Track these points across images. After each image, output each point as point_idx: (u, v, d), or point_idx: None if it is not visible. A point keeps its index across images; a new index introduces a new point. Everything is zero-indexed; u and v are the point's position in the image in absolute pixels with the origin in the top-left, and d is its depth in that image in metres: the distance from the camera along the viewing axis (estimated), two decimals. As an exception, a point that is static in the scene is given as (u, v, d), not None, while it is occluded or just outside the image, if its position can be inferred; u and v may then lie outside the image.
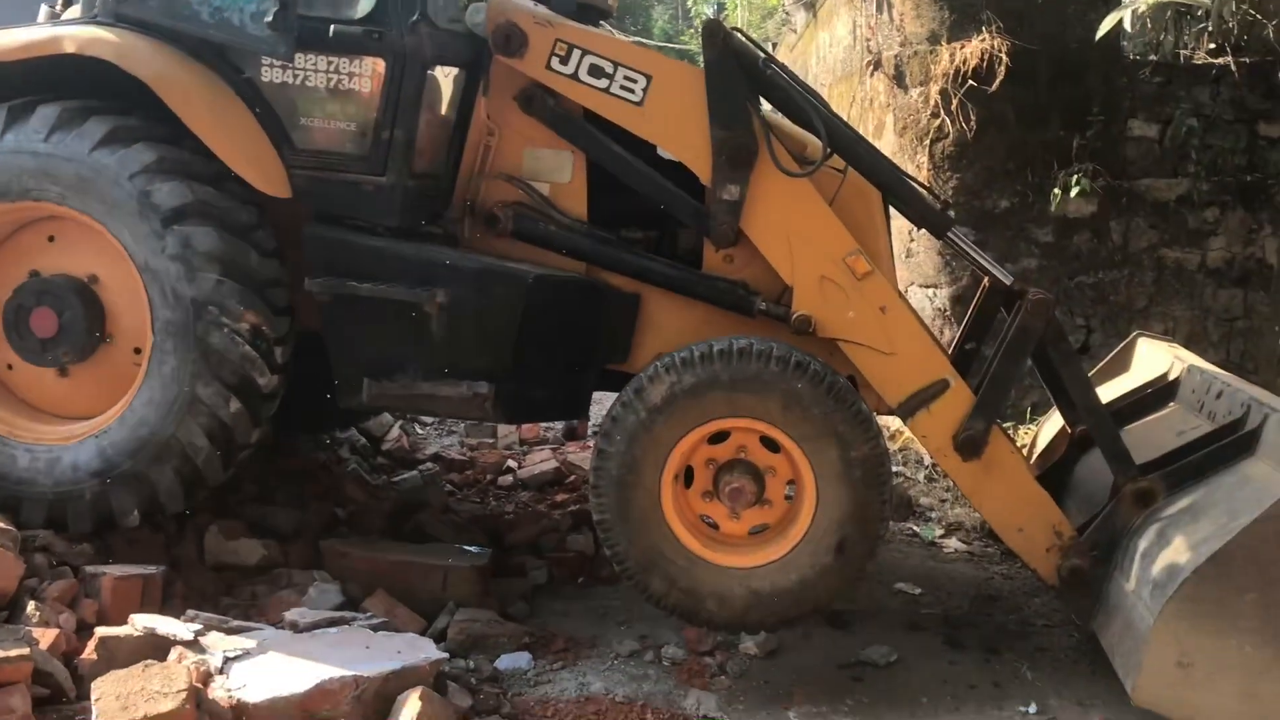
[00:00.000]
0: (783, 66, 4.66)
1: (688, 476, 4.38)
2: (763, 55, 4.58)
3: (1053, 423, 5.64)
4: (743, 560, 4.30)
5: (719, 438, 4.35)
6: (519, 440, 7.45)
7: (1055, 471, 5.01)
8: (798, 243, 4.47)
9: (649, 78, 4.53)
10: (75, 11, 4.77)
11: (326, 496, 5.67)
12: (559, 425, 7.57)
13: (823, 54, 11.04)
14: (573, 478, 6.62)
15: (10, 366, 4.66)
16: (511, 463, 6.93)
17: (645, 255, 4.81)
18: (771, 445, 4.34)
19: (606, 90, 4.54)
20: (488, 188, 4.75)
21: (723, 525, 4.40)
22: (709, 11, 22.71)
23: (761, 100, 4.63)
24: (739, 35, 4.56)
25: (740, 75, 4.46)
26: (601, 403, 5.14)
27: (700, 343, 4.24)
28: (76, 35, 4.33)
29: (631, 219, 4.89)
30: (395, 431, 7.03)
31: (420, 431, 7.46)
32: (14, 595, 3.89)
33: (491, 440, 7.38)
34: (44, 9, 5.35)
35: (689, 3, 23.00)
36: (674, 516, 4.29)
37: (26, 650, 3.43)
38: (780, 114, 4.72)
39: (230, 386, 4.38)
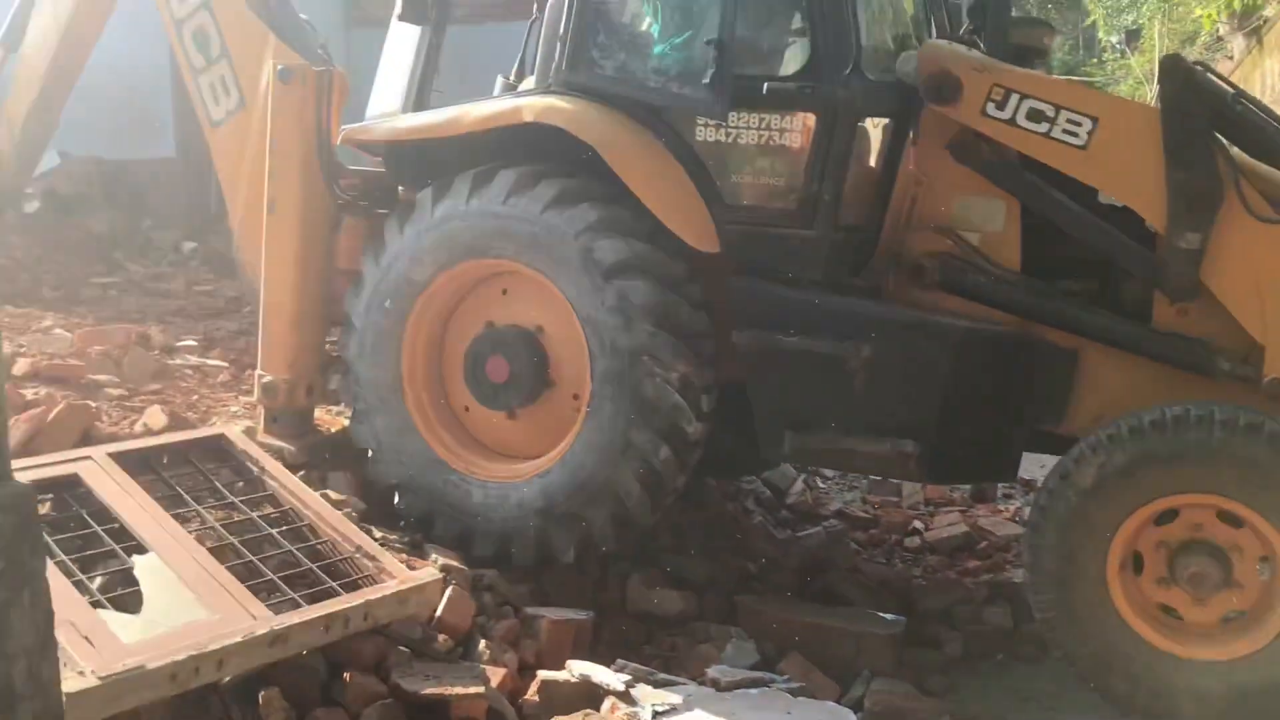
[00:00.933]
0: (1255, 102, 4.21)
1: (1137, 563, 4.00)
2: (1231, 90, 4.15)
3: None
4: (1219, 652, 3.85)
5: (1167, 517, 3.94)
6: (924, 500, 7.18)
7: None
8: (1272, 297, 3.99)
9: (1094, 120, 4.24)
10: (530, 82, 5.18)
11: (737, 549, 5.72)
12: (967, 485, 7.23)
13: (1271, 83, 9.98)
14: (984, 544, 6.28)
15: (468, 408, 5.08)
16: (918, 523, 6.69)
17: (1085, 308, 4.49)
18: (1232, 520, 3.87)
19: (1047, 134, 4.30)
20: (914, 238, 4.64)
21: (1187, 614, 3.97)
22: (1115, 41, 20.98)
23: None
24: (1204, 70, 4.17)
25: (1203, 113, 4.07)
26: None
27: (1128, 414, 3.89)
28: (534, 105, 4.68)
29: (1069, 269, 4.59)
30: (799, 485, 7.00)
31: (823, 485, 7.38)
32: (467, 632, 4.20)
33: (896, 498, 7.17)
34: (499, 80, 5.87)
35: (1097, 31, 21.19)
36: (1128, 609, 3.94)
37: (482, 689, 3.68)
38: (1250, 155, 4.26)
39: (661, 434, 4.52)
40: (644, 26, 4.84)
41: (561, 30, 4.75)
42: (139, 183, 10.19)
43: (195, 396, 5.73)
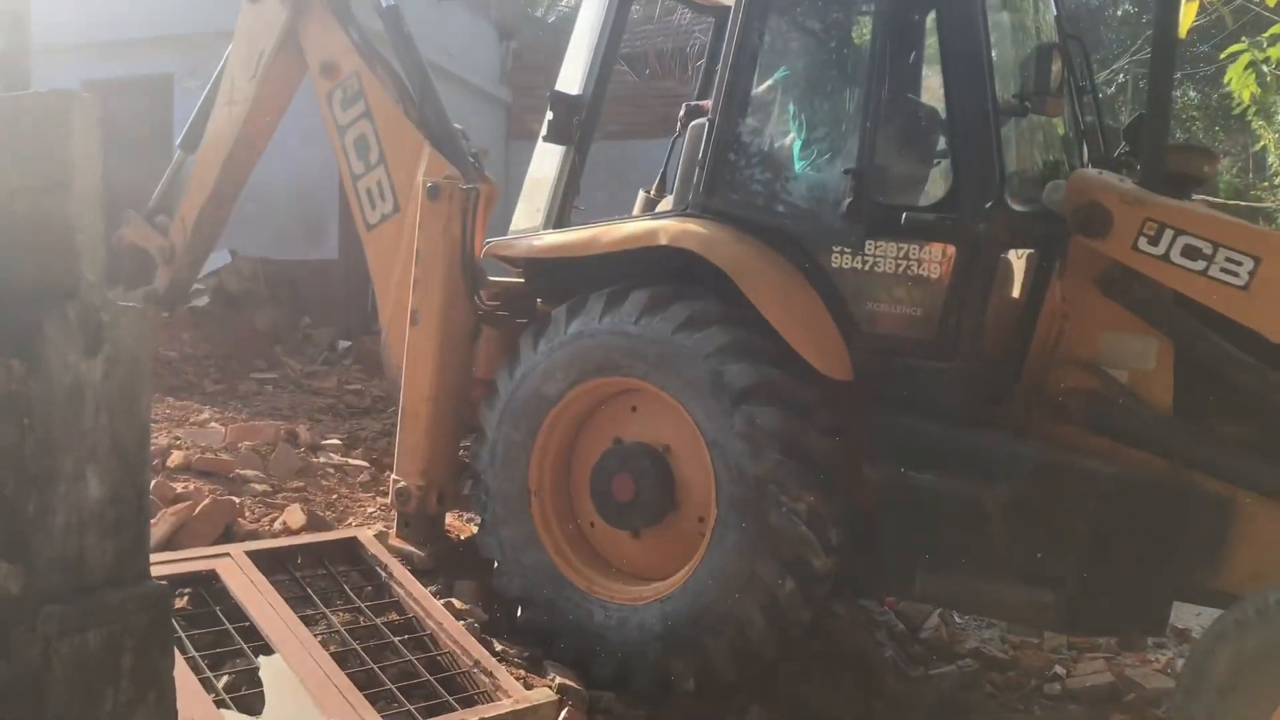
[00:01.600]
0: None
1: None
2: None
3: None
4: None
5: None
6: (1067, 643, 6.80)
7: None
8: None
9: (1256, 259, 4.06)
10: (668, 203, 5.27)
11: (864, 685, 5.50)
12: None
13: None
14: (1132, 696, 5.89)
15: (593, 524, 5.07)
16: (1059, 669, 6.32)
17: (1242, 455, 4.23)
18: None
19: (1203, 273, 4.12)
20: (1058, 373, 4.47)
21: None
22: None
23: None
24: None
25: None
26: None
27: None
28: (669, 228, 4.74)
29: (1225, 412, 4.34)
30: (934, 619, 6.72)
31: (959, 621, 7.07)
32: (577, 755, 4.14)
33: (1036, 640, 6.79)
34: (641, 195, 5.99)
35: (1267, 155, 20.21)
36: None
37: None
38: None
39: (787, 565, 4.41)
40: (782, 154, 4.87)
41: (700, 154, 4.82)
42: (302, 282, 10.73)
43: (335, 496, 5.90)
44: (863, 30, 5.11)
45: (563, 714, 4.24)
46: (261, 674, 3.85)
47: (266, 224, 11.29)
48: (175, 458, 5.73)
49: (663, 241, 4.72)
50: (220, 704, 3.65)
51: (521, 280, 5.49)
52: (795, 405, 4.49)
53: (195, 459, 5.74)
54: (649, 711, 4.65)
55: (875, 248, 4.51)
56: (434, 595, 4.96)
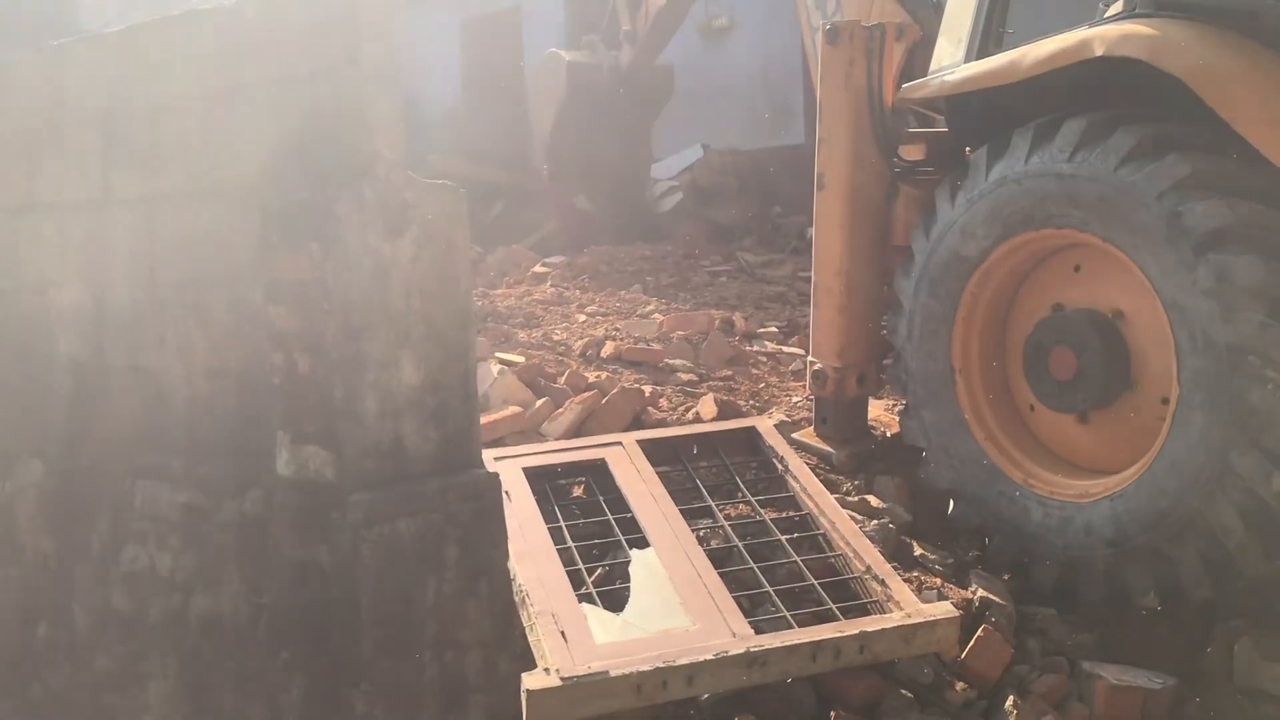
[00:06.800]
0: None
1: None
2: None
3: None
4: None
5: None
6: None
7: None
8: None
9: None
10: (1118, 7, 4.19)
11: None
12: None
13: None
14: None
15: (1033, 408, 4.28)
16: None
17: None
18: None
19: None
20: None
21: None
22: None
23: None
24: None
25: None
26: None
27: None
28: (1107, 35, 3.74)
29: None
30: None
31: None
32: (996, 684, 3.47)
33: None
34: (1102, 5, 4.89)
35: None
36: None
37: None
38: None
39: (1273, 457, 3.36)
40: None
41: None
42: (773, 170, 10.48)
43: (761, 385, 5.57)
44: None
45: (978, 632, 3.59)
46: (631, 568, 3.63)
47: (735, 116, 11.20)
48: (608, 348, 5.71)
49: (1099, 52, 3.75)
50: (585, 598, 3.48)
51: (945, 130, 4.72)
52: (1285, 250, 3.38)
53: (625, 349, 5.69)
54: (1100, 635, 3.82)
55: None
56: (852, 492, 4.49)
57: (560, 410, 4.70)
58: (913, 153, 4.86)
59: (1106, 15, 4.05)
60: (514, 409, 4.66)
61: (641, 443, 4.25)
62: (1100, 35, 3.75)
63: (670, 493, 3.99)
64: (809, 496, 4.04)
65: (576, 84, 9.34)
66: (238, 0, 3.08)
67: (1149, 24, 3.68)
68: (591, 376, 5.13)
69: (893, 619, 3.39)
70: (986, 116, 4.34)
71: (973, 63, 4.41)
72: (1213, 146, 3.54)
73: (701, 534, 3.83)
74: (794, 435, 4.78)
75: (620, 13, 9.33)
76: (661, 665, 3.16)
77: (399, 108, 2.91)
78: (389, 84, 2.88)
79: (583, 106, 9.35)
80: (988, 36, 4.51)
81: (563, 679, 3.10)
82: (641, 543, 3.74)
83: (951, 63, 4.63)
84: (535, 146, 10.42)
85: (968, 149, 4.52)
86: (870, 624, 3.37)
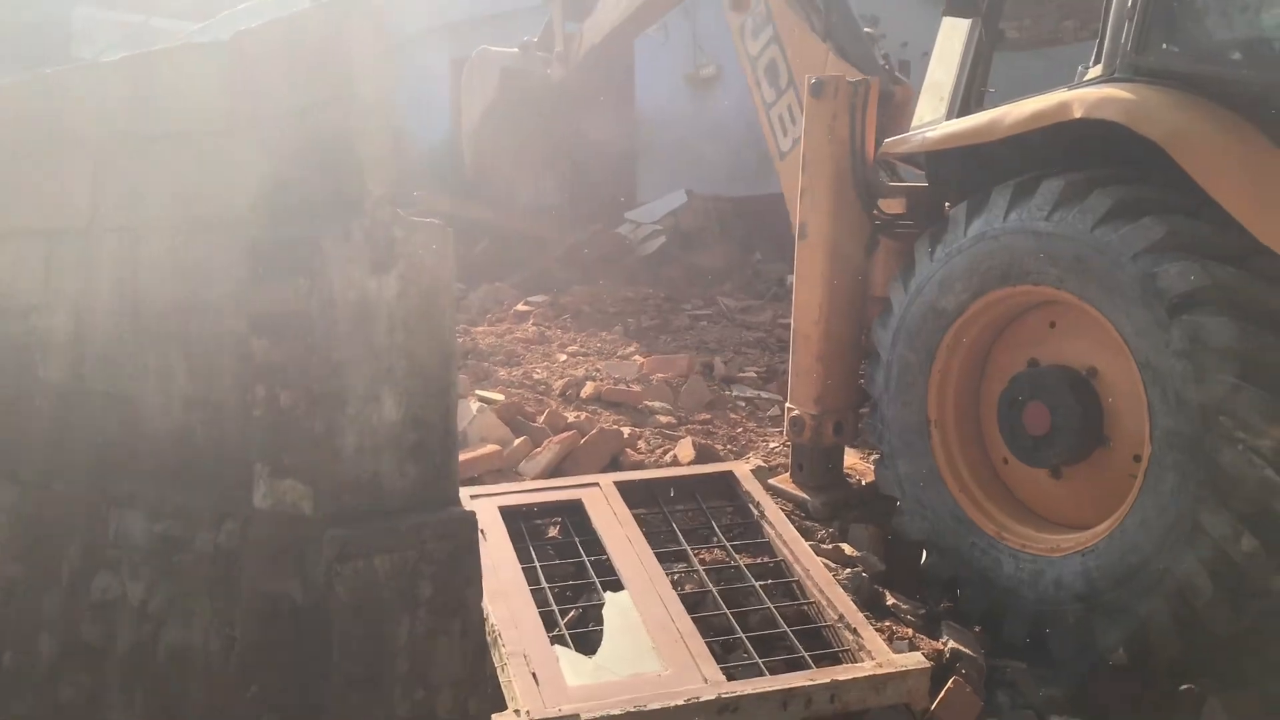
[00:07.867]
0: None
1: None
2: None
3: None
4: None
5: None
6: None
7: None
8: None
9: None
10: (1097, 71, 4.28)
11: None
12: None
13: None
14: None
15: (1006, 461, 4.32)
16: None
17: None
18: None
19: None
20: None
21: None
22: None
23: None
24: None
25: None
26: None
27: None
28: (1086, 97, 3.82)
29: None
30: None
31: None
32: (964, 731, 3.49)
33: None
34: (1080, 70, 4.98)
35: None
36: None
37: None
38: None
39: (1243, 517, 3.41)
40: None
41: (1131, 2, 3.83)
42: (754, 217, 10.56)
43: (740, 429, 5.60)
44: None
45: (949, 685, 3.61)
46: (605, 610, 3.63)
47: (721, 162, 11.30)
48: (588, 388, 5.74)
49: (1077, 114, 3.83)
50: (557, 640, 3.47)
51: (925, 184, 4.80)
52: (1256, 315, 3.44)
53: (605, 390, 5.71)
54: (1069, 691, 3.84)
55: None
56: (826, 539, 4.51)
57: (538, 449, 4.71)
58: (893, 206, 4.93)
59: (1086, 79, 4.15)
60: (492, 447, 4.67)
61: (619, 484, 4.26)
62: (1079, 98, 3.84)
63: (646, 535, 4.00)
64: (784, 543, 4.06)
65: (507, 87, 9.68)
66: (233, 36, 3.12)
67: (1127, 88, 3.77)
68: (571, 416, 5.15)
69: (864, 668, 3.40)
70: (966, 173, 4.42)
71: (954, 120, 4.49)
72: (1188, 210, 3.61)
73: (676, 578, 3.83)
74: (770, 481, 4.81)
75: (555, 33, 9.43)
76: (633, 709, 3.16)
77: (389, 145, 2.93)
78: (380, 121, 2.90)
79: (511, 107, 9.73)
80: (969, 95, 4.61)
81: (531, 721, 3.09)
82: (616, 585, 3.75)
83: (933, 119, 4.72)
84: (462, 138, 10.65)
85: (947, 204, 4.59)
86: (842, 673, 3.38)
